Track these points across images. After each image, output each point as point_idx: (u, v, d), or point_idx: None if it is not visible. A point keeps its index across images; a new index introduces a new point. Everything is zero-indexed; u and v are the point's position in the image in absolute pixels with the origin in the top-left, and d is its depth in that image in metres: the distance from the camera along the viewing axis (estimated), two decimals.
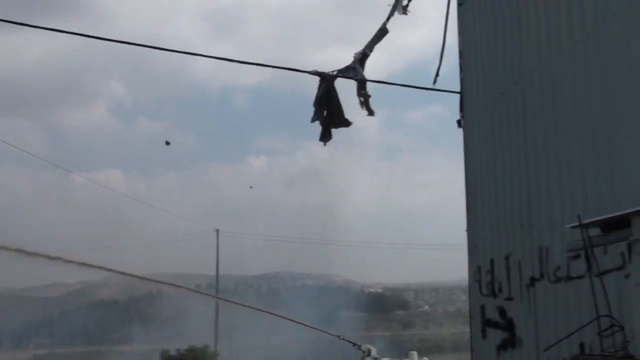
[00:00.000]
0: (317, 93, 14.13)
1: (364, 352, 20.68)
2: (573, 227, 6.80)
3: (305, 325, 28.40)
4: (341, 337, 22.41)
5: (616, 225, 6.34)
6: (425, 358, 21.24)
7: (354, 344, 21.82)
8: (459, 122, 12.47)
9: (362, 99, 14.07)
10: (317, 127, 14.28)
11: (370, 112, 14.18)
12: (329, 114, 13.82)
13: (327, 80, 13.86)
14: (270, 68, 14.58)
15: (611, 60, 8.11)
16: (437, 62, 13.56)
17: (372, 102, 14.16)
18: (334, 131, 14.33)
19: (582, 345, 8.25)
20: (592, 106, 8.44)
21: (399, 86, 15.36)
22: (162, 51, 12.46)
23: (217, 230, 41.29)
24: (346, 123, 14.06)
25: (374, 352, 20.75)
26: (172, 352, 34.01)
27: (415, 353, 21.28)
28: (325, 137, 14.05)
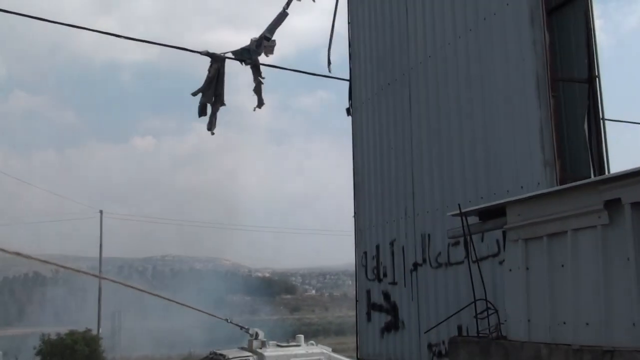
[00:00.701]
0: (208, 75, 13.84)
1: (251, 335, 20.75)
2: (453, 215, 7.10)
3: (191, 308, 28.08)
4: (229, 321, 22.36)
5: (493, 214, 6.68)
6: (311, 342, 21.52)
7: (242, 327, 21.83)
8: (347, 110, 12.63)
9: (255, 85, 13.91)
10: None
11: (260, 102, 14.05)
12: (214, 99, 13.57)
13: (217, 62, 13.60)
14: (157, 46, 14.12)
15: (490, 55, 8.49)
16: (327, 50, 13.65)
17: (264, 88, 14.02)
18: (219, 115, 14.10)
19: (459, 328, 8.70)
20: (472, 99, 8.81)
21: (289, 71, 15.26)
22: (41, 23, 11.70)
23: (101, 212, 39.85)
24: (221, 103, 13.83)
25: (261, 336, 20.87)
26: (53, 336, 32.63)
27: (302, 336, 21.54)
28: (212, 124, 13.76)
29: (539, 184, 7.45)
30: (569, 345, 5.49)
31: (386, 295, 11.03)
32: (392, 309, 10.81)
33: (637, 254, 5.00)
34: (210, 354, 21.52)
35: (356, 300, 12.28)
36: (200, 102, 13.85)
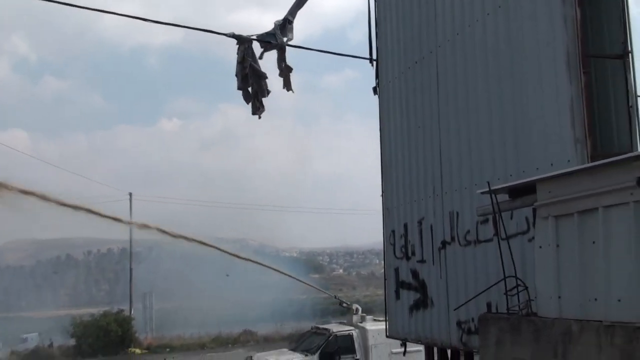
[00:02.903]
0: (237, 58, 13.83)
1: (355, 311, 21.14)
2: (483, 193, 7.10)
3: (307, 285, 28.69)
4: (335, 297, 22.86)
5: (522, 192, 6.67)
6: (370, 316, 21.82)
7: (343, 303, 22.27)
8: (374, 89, 12.60)
9: (282, 70, 13.84)
10: (234, 91, 13.97)
11: (289, 88, 13.95)
12: (255, 83, 13.49)
13: (244, 44, 13.58)
14: (182, 29, 14.11)
15: (519, 32, 8.41)
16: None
17: (292, 75, 13.94)
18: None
19: (489, 305, 8.73)
20: (501, 77, 8.75)
21: (315, 51, 15.19)
22: (67, 8, 11.77)
23: (130, 194, 40.35)
24: (265, 93, 13.74)
25: (360, 310, 21.34)
26: (85, 318, 33.28)
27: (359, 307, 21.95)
28: (257, 109, 13.69)
29: (569, 161, 7.40)
30: (600, 321, 5.50)
31: (415, 274, 11.07)
32: (421, 287, 10.86)
33: None
34: (312, 328, 21.89)
35: (384, 279, 12.35)
36: (241, 88, 13.78)
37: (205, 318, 39.50)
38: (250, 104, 13.56)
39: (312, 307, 51.18)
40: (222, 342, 34.43)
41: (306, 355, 18.73)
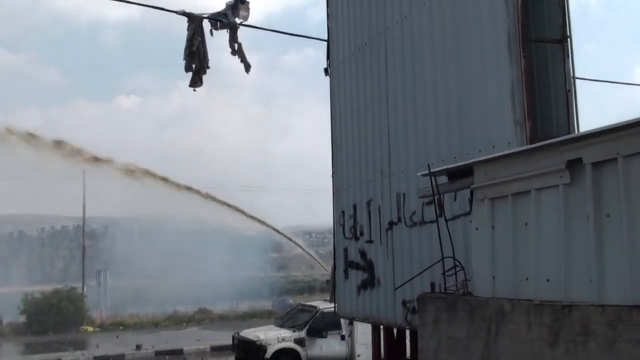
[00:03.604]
0: (187, 35, 13.75)
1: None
2: (423, 175, 7.20)
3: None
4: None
5: (461, 174, 6.78)
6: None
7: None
8: (325, 70, 12.62)
9: (234, 50, 13.83)
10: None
11: (247, 66, 13.96)
12: (198, 59, 13.49)
13: (195, 22, 13.48)
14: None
15: (464, 15, 8.49)
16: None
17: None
18: (205, 76, 14.04)
19: (432, 285, 8.89)
20: (446, 59, 8.83)
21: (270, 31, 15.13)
22: None
23: (84, 170, 39.69)
24: (205, 67, 13.77)
25: None
26: (37, 295, 32.80)
27: None
28: (195, 82, 13.72)
29: (509, 143, 7.53)
30: (531, 300, 5.66)
31: (363, 254, 11.20)
32: (369, 267, 10.99)
33: (596, 213, 5.13)
34: (298, 306, 21.86)
35: (334, 259, 12.47)
36: (185, 63, 13.77)
37: (160, 296, 39.32)
38: (191, 76, 13.64)
39: (270, 285, 51.39)
40: (177, 321, 34.36)
41: (294, 331, 18.92)
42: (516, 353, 5.76)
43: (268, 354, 18.37)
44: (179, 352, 24.04)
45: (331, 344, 18.76)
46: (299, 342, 18.65)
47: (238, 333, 19.97)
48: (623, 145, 4.88)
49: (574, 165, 5.31)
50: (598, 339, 5.02)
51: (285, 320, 20.68)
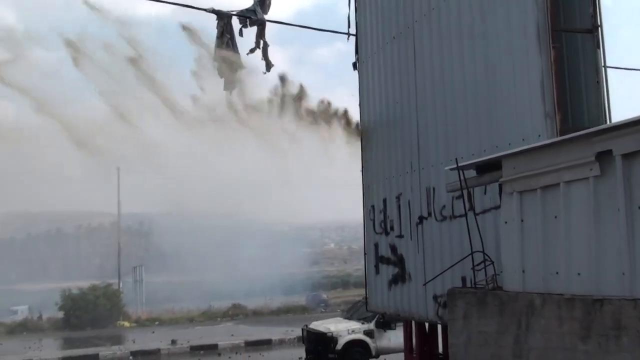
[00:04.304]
0: (217, 33, 13.77)
1: None
2: (451, 169, 7.15)
3: None
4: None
5: (490, 167, 6.72)
6: None
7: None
8: (354, 65, 12.59)
9: (259, 47, 13.75)
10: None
11: (269, 65, 13.88)
12: (230, 60, 13.44)
13: (223, 20, 13.50)
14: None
15: (492, 7, 8.40)
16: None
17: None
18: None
19: (463, 279, 8.83)
20: (475, 51, 8.75)
21: (296, 26, 15.08)
22: None
23: (118, 168, 40.19)
24: (239, 67, 13.66)
25: None
26: (74, 291, 33.36)
27: None
28: (230, 85, 13.63)
29: (539, 135, 7.43)
30: (561, 294, 5.59)
31: (393, 249, 11.17)
32: (399, 262, 10.97)
33: (627, 205, 5.04)
34: (363, 299, 21.66)
35: (364, 254, 12.45)
36: (216, 63, 13.72)
37: (195, 292, 39.73)
38: (223, 79, 13.54)
39: (302, 281, 51.52)
40: (211, 316, 34.61)
41: (363, 323, 19.05)
42: (547, 347, 5.70)
43: (339, 346, 18.48)
44: (214, 347, 24.24)
45: (399, 336, 18.74)
46: (368, 333, 18.70)
47: (307, 325, 20.12)
48: None
49: (603, 157, 5.24)
50: (630, 333, 4.94)
51: (353, 312, 20.69)
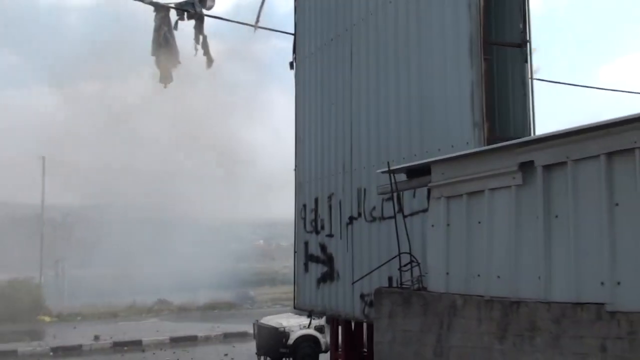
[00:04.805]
0: (154, 26, 13.61)
1: None
2: (383, 173, 7.34)
3: None
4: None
5: (420, 172, 6.95)
6: None
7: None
8: (291, 64, 12.68)
9: (199, 42, 13.68)
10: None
11: (209, 62, 13.81)
12: (167, 53, 13.31)
13: (161, 12, 13.38)
14: None
15: (428, 16, 8.65)
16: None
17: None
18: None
19: (390, 279, 9.06)
20: (410, 57, 8.98)
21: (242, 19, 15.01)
22: None
23: (43, 158, 39.05)
24: (176, 62, 13.54)
25: None
26: None
27: None
28: (165, 78, 13.50)
29: (467, 143, 7.71)
30: (481, 296, 5.86)
31: (323, 247, 11.33)
32: (329, 261, 11.13)
33: (545, 214, 5.34)
34: None
35: (294, 252, 12.57)
36: (155, 58, 13.56)
37: (120, 286, 38.94)
38: (159, 72, 13.42)
39: (230, 277, 51.18)
40: (136, 312, 34.11)
41: (314, 319, 19.11)
42: (466, 346, 5.96)
43: (290, 340, 18.60)
44: (138, 343, 23.89)
45: None
46: (319, 329, 18.85)
47: (258, 320, 20.09)
48: (572, 149, 5.09)
49: (526, 167, 5.52)
50: (544, 334, 5.24)
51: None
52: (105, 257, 43.00)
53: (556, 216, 5.27)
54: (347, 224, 10.54)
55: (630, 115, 4.60)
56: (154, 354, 22.20)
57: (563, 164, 5.19)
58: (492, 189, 5.86)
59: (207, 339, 25.12)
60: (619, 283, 4.81)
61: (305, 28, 12.24)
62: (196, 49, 13.53)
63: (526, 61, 8.02)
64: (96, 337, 24.54)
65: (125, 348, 23.42)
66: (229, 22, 14.04)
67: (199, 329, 26.63)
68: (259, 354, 19.34)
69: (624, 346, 4.71)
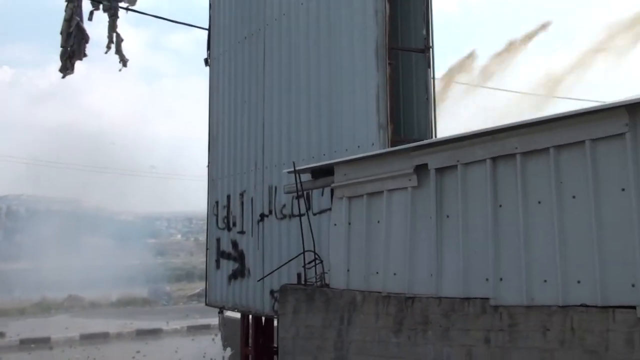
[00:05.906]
0: (64, 16, 13.29)
1: None
2: (289, 172, 7.52)
3: None
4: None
5: (323, 173, 7.17)
6: None
7: None
8: (205, 61, 12.67)
9: (112, 39, 13.43)
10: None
11: (123, 61, 13.56)
12: (76, 43, 13.00)
13: (73, 2, 13.08)
14: None
15: (338, 19, 8.89)
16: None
17: (125, 34, 13.58)
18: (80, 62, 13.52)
19: (299, 276, 9.26)
20: (320, 58, 9.20)
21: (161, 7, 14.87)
22: None
23: None
24: (82, 55, 13.24)
25: None
26: None
27: None
28: (66, 69, 13.17)
29: (373, 144, 7.99)
30: (379, 292, 6.14)
31: (234, 244, 11.42)
32: (240, 257, 11.23)
33: (438, 214, 5.65)
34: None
35: (206, 248, 12.60)
36: (63, 46, 13.22)
37: (28, 281, 37.65)
38: (61, 62, 13.11)
39: (145, 273, 50.31)
40: (45, 308, 33.09)
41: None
42: (365, 340, 6.22)
43: None
44: (46, 340, 23.25)
45: None
46: None
47: (223, 312, 19.91)
48: (462, 154, 5.42)
49: (420, 170, 5.82)
50: (435, 327, 5.56)
51: None
52: (14, 250, 41.52)
53: (447, 216, 5.59)
54: (259, 221, 10.67)
55: (512, 123, 4.94)
56: (63, 351, 21.66)
57: (454, 167, 5.51)
58: (390, 190, 6.14)
59: (119, 336, 24.67)
60: (501, 279, 5.17)
61: (220, 25, 12.26)
62: (109, 47, 13.28)
63: (429, 66, 8.36)
64: (2, 334, 23.72)
65: (33, 345, 22.73)
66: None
67: (111, 325, 26.11)
68: (225, 345, 19.32)
69: (505, 337, 5.07)
